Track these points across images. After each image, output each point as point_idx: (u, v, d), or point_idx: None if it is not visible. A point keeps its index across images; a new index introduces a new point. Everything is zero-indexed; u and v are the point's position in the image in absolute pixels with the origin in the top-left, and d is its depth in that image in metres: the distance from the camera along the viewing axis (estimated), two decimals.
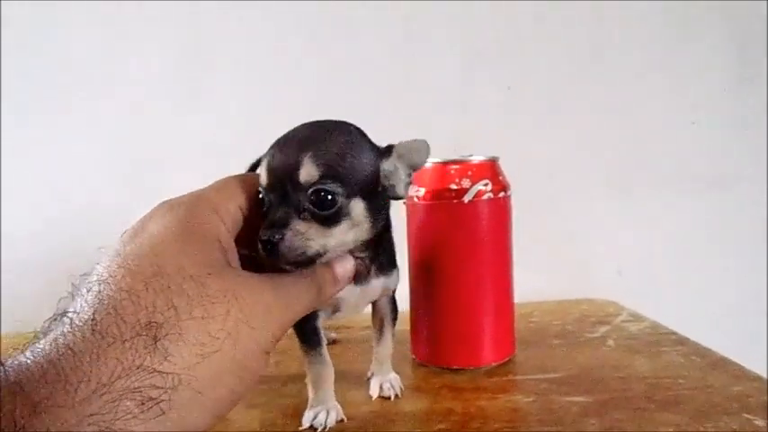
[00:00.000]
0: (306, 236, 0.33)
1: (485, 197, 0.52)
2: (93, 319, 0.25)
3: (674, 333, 0.60)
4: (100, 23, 0.77)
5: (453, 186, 0.52)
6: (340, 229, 0.34)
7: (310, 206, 0.33)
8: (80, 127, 0.79)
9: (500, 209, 0.54)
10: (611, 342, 0.59)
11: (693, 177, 0.84)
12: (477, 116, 0.80)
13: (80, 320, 0.25)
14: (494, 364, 0.54)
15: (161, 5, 0.77)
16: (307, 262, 0.33)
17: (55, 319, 0.26)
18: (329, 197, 0.33)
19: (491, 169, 0.53)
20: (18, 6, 0.76)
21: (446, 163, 0.53)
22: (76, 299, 0.27)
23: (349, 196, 0.34)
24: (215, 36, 0.79)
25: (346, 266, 0.37)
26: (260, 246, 0.32)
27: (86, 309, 0.26)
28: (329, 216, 0.34)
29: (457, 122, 0.80)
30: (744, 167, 0.84)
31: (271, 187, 0.34)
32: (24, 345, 0.25)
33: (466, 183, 0.52)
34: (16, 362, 0.24)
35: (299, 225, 0.33)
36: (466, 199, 0.51)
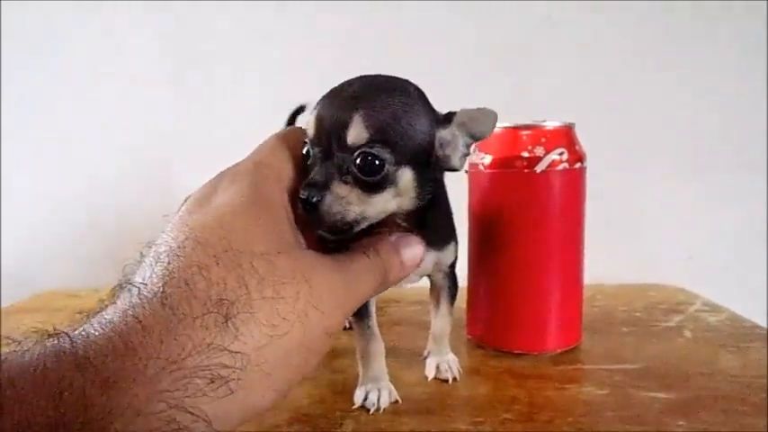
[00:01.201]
0: (346, 200, 0.30)
1: (559, 167, 0.47)
2: (162, 292, 0.24)
3: (759, 327, 0.55)
4: (101, 23, 0.77)
5: (525, 154, 0.47)
6: (383, 196, 0.31)
7: (355, 170, 0.30)
8: (81, 127, 0.78)
9: (575, 181, 0.48)
10: (687, 333, 0.54)
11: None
12: (546, 82, 0.75)
13: (149, 292, 0.24)
14: (558, 350, 0.49)
15: (162, 5, 0.75)
16: (344, 227, 0.31)
17: (122, 287, 0.25)
18: (376, 162, 0.30)
19: (567, 137, 0.48)
20: (18, 6, 0.75)
21: (517, 128, 0.48)
22: (144, 268, 0.26)
23: (397, 164, 0.31)
24: (218, 36, 0.77)
25: (415, 251, 0.34)
26: (299, 203, 0.30)
27: (155, 280, 0.24)
28: (373, 183, 0.31)
29: (523, 88, 0.74)
30: None
31: (317, 141, 0.32)
32: (91, 312, 0.24)
33: (539, 151, 0.46)
34: (84, 333, 0.23)
35: (339, 188, 0.30)
36: (538, 169, 0.46)
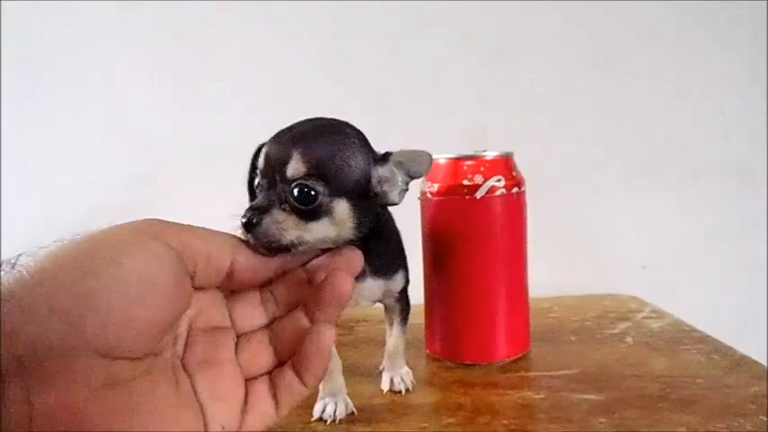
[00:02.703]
0: (282, 225, 0.34)
1: (497, 193, 0.52)
2: None
3: (696, 330, 0.59)
4: (102, 25, 0.79)
5: (466, 182, 0.52)
6: (319, 224, 0.35)
7: (292, 199, 0.35)
8: (80, 131, 0.81)
9: (513, 205, 0.53)
10: (629, 339, 0.58)
11: (720, 170, 0.81)
12: (498, 111, 0.80)
13: None
14: (507, 359, 0.54)
15: (161, 6, 0.78)
16: (280, 249, 0.34)
17: None
18: (311, 193, 0.35)
19: (505, 165, 0.53)
20: (18, 7, 0.78)
21: (459, 159, 0.53)
22: None
23: (332, 195, 0.35)
24: (216, 40, 0.80)
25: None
26: (241, 226, 0.34)
27: None
28: (308, 211, 0.35)
29: (475, 118, 0.79)
30: None
31: (264, 173, 0.36)
32: None
33: (478, 179, 0.51)
34: None
35: (278, 214, 0.34)
36: (478, 195, 0.51)
